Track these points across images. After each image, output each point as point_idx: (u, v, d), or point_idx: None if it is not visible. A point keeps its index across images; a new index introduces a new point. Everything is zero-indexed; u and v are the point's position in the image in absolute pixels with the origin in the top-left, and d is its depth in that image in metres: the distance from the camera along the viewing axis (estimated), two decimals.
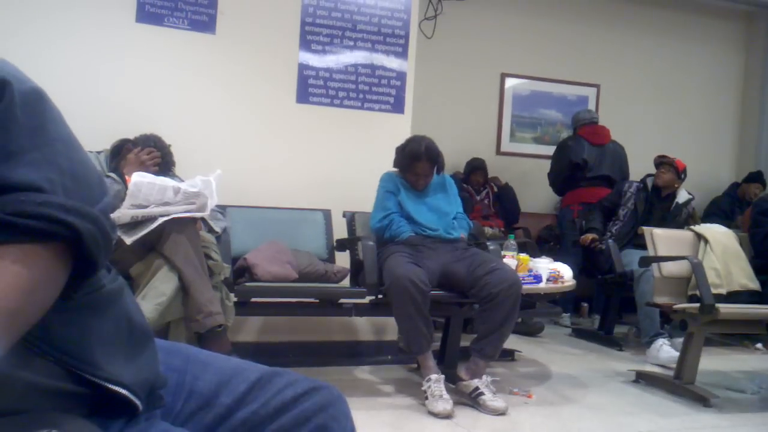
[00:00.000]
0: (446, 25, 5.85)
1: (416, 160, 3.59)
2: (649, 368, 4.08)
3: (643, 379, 3.83)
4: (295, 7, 4.10)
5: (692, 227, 4.23)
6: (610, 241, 4.85)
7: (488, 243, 3.89)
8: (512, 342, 4.59)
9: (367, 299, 3.55)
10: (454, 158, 5.73)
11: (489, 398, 3.11)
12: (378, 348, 4.17)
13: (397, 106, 4.31)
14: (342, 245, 3.84)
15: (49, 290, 0.76)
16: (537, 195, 6.44)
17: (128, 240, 2.75)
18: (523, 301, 3.77)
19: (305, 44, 4.12)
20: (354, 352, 4.11)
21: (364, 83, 4.24)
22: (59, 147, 0.80)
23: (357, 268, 3.66)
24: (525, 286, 3.61)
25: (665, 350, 4.25)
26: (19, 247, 0.72)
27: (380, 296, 3.48)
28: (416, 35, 4.38)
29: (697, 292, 3.59)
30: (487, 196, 6.00)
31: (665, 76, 7.07)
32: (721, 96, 7.35)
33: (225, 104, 3.98)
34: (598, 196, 5.35)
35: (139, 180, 2.86)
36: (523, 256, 3.87)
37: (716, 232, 4.13)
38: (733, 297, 3.81)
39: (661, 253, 3.95)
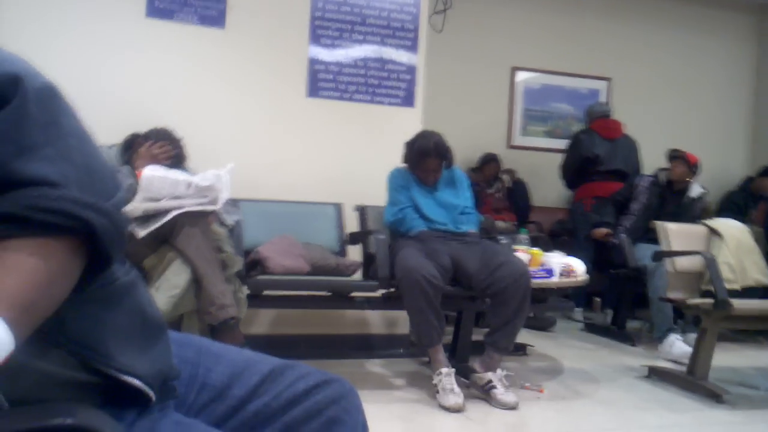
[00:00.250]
0: (456, 19, 5.83)
1: (425, 156, 3.58)
2: (661, 364, 4.06)
3: (655, 374, 3.81)
4: (304, 1, 4.10)
5: (705, 222, 4.19)
6: (622, 235, 4.82)
7: (500, 237, 3.88)
8: (524, 336, 4.60)
9: (378, 292, 3.55)
10: (465, 152, 5.72)
11: (500, 392, 3.11)
12: (390, 341, 4.18)
13: (408, 100, 4.30)
14: (354, 239, 3.84)
15: (63, 284, 0.76)
16: (549, 189, 6.42)
17: (141, 233, 2.77)
18: (535, 295, 3.76)
19: (315, 38, 4.12)
20: (366, 345, 4.12)
21: (374, 77, 4.23)
22: (73, 142, 0.81)
23: (369, 262, 3.66)
24: (537, 281, 3.61)
25: (678, 345, 4.23)
26: (35, 241, 0.73)
27: (392, 290, 3.48)
28: (426, 29, 4.37)
29: (711, 288, 3.57)
30: (499, 190, 5.99)
31: (677, 70, 7.03)
32: (734, 89, 7.30)
33: (236, 98, 3.98)
34: (610, 190, 5.32)
35: (151, 174, 2.87)
36: (536, 250, 3.86)
37: (730, 226, 4.10)
38: (746, 292, 3.78)
39: (674, 247, 3.93)
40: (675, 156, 4.98)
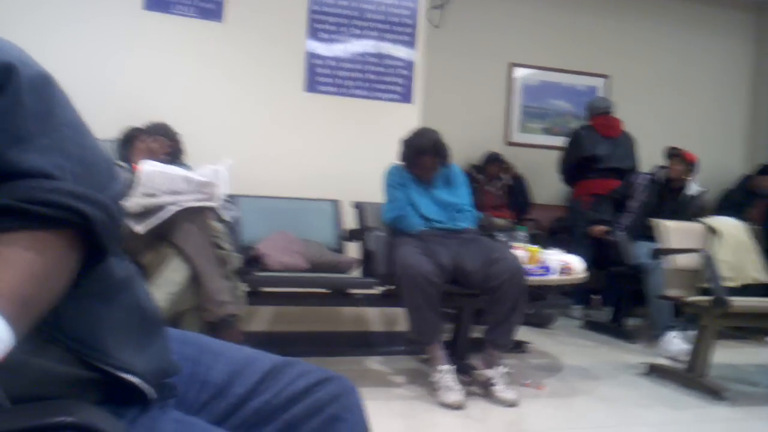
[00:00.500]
0: (454, 15, 5.82)
1: (422, 154, 3.56)
2: (661, 361, 4.06)
3: (655, 371, 3.81)
4: None
5: (703, 220, 4.19)
6: (620, 233, 4.82)
7: (498, 234, 3.86)
8: (523, 334, 4.59)
9: (377, 289, 3.54)
10: (463, 149, 5.70)
11: (500, 389, 3.10)
12: (389, 338, 4.17)
13: (405, 96, 4.29)
14: (353, 235, 3.83)
15: (61, 277, 0.76)
16: (547, 186, 6.41)
17: (138, 228, 2.75)
18: (534, 292, 3.75)
19: (313, 33, 4.10)
20: (365, 343, 4.11)
21: (372, 72, 4.22)
22: (68, 132, 0.80)
23: (367, 259, 3.65)
24: (535, 278, 3.60)
25: (676, 343, 4.23)
26: (31, 234, 0.72)
27: (391, 286, 3.47)
28: (424, 24, 4.35)
29: (709, 285, 3.57)
30: (501, 188, 5.98)
31: (676, 67, 7.03)
32: (732, 87, 7.30)
33: (233, 93, 3.97)
34: (608, 187, 5.32)
35: (149, 169, 2.85)
36: (534, 247, 3.85)
37: (728, 224, 4.10)
38: (745, 290, 3.78)
39: (673, 245, 3.93)
40: (673, 154, 4.97)
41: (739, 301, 3.43)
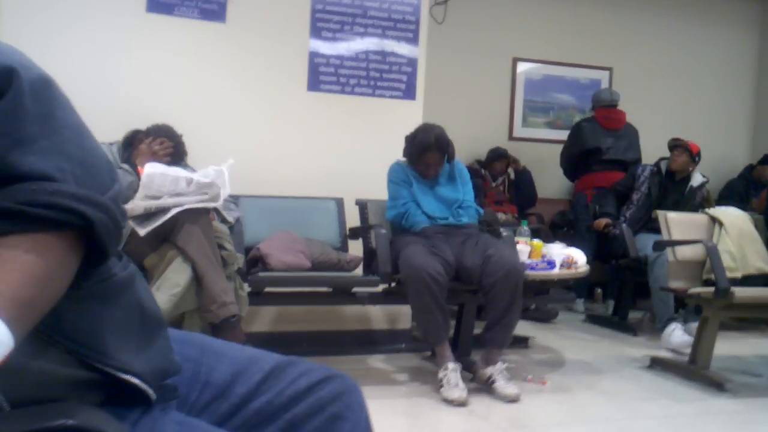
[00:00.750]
0: (457, 10, 5.81)
1: (426, 151, 3.56)
2: (663, 353, 4.06)
3: (657, 364, 3.81)
4: None
5: (707, 210, 4.19)
6: (623, 225, 4.82)
7: (501, 229, 3.87)
8: (526, 328, 4.61)
9: (380, 288, 3.55)
10: (467, 145, 5.70)
11: (501, 385, 3.11)
12: (391, 336, 4.18)
13: (409, 93, 4.30)
14: (355, 234, 3.84)
15: (61, 279, 0.76)
16: (550, 180, 6.41)
17: (142, 231, 2.77)
18: (536, 287, 3.76)
19: (316, 31, 4.11)
20: (367, 341, 4.12)
21: (375, 70, 4.22)
22: (68, 135, 0.80)
23: (370, 257, 3.66)
24: (538, 272, 3.61)
25: (677, 335, 4.23)
26: (32, 237, 0.73)
27: (393, 284, 3.48)
28: (427, 21, 4.36)
29: (712, 276, 3.57)
30: (502, 182, 5.98)
31: (679, 59, 7.00)
32: (736, 78, 7.28)
33: (236, 93, 3.98)
34: (611, 180, 5.32)
35: (152, 171, 2.86)
36: (537, 241, 3.85)
37: (731, 215, 4.10)
38: (748, 281, 3.79)
39: (676, 237, 3.93)
40: (676, 145, 4.97)
41: (742, 292, 3.43)
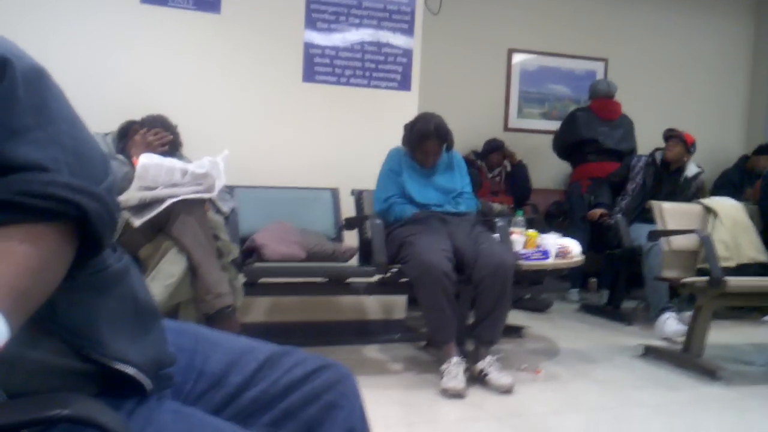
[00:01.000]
0: (452, 1, 5.80)
1: (425, 139, 3.57)
2: (657, 342, 4.09)
3: (651, 353, 3.84)
4: None
5: (701, 200, 4.21)
6: (618, 215, 4.84)
7: (496, 220, 3.88)
8: (520, 318, 4.63)
9: (375, 278, 3.56)
10: (462, 135, 5.67)
11: (495, 377, 3.10)
12: (386, 326, 4.20)
13: (404, 84, 4.30)
14: (350, 224, 3.84)
15: (56, 270, 0.76)
16: (546, 171, 6.43)
17: (137, 222, 2.77)
18: (531, 276, 3.78)
19: (311, 22, 4.10)
20: (362, 331, 4.13)
21: (370, 61, 4.22)
22: (62, 125, 0.80)
23: (365, 247, 3.67)
24: (533, 262, 3.62)
25: (671, 324, 4.25)
26: (26, 228, 0.73)
27: (389, 275, 3.48)
28: (422, 12, 4.35)
29: (706, 266, 3.59)
30: (499, 173, 5.99)
31: (674, 49, 7.00)
32: (730, 69, 7.28)
33: (231, 84, 3.97)
34: (607, 170, 5.33)
35: (147, 162, 2.86)
36: (532, 232, 3.87)
37: (725, 205, 4.12)
38: (742, 270, 3.80)
39: (670, 227, 3.94)
40: (671, 135, 4.98)
41: (735, 281, 3.45)
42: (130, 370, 0.87)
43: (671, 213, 4.02)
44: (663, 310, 4.37)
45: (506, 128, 6.62)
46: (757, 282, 3.63)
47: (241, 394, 1.04)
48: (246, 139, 3.93)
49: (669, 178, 4.96)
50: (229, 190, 3.45)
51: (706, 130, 6.43)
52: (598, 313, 5.12)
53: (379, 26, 4.22)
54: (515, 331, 4.24)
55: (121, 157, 3.20)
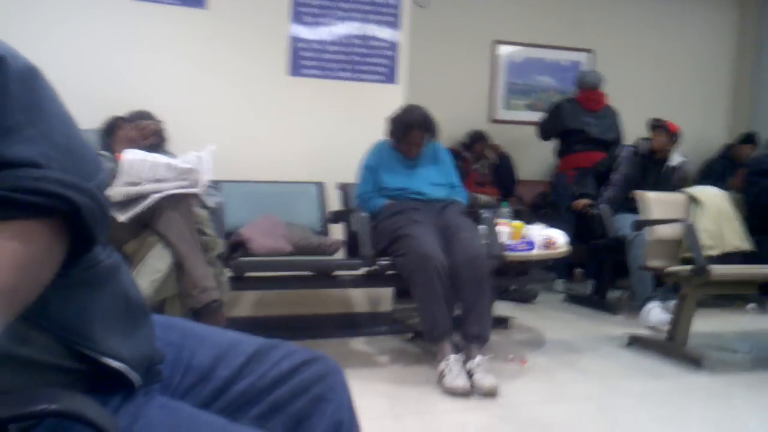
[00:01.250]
0: None
1: (410, 129, 3.58)
2: (642, 331, 4.12)
3: (636, 342, 3.86)
4: None
5: (685, 190, 4.24)
6: (602, 205, 4.86)
7: (482, 211, 3.89)
8: (506, 309, 4.65)
9: (361, 271, 3.56)
10: (448, 127, 5.69)
11: (479, 377, 2.99)
12: (373, 319, 4.20)
13: (391, 77, 4.30)
14: (336, 217, 3.85)
15: (47, 266, 0.76)
16: (531, 162, 6.45)
17: (122, 217, 2.75)
18: (516, 267, 3.79)
19: (297, 16, 4.09)
20: (349, 324, 4.13)
21: (356, 54, 4.21)
22: (55, 123, 0.80)
23: (351, 240, 3.67)
24: (519, 253, 3.64)
25: (655, 313, 4.29)
26: (18, 223, 0.73)
27: (375, 267, 3.48)
28: (409, 4, 4.35)
29: (690, 255, 3.62)
30: (484, 165, 6.01)
31: (659, 39, 7.03)
32: (714, 58, 7.33)
33: (217, 78, 3.95)
34: (593, 160, 5.35)
35: (131, 157, 2.85)
36: (517, 223, 3.88)
37: (709, 194, 4.15)
38: (726, 258, 3.84)
39: (655, 216, 3.97)
40: (656, 125, 5.01)
41: (719, 269, 3.47)
42: (120, 366, 0.87)
43: (656, 202, 4.05)
44: (648, 299, 4.41)
45: (492, 120, 6.63)
46: (740, 270, 3.67)
47: (229, 388, 1.05)
48: (232, 133, 3.92)
49: (653, 167, 4.98)
50: (215, 184, 3.44)
51: (691, 120, 6.45)
52: (584, 303, 5.15)
53: (366, 19, 4.22)
54: (501, 322, 4.26)
55: (105, 153, 3.18)
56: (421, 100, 3.81)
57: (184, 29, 3.88)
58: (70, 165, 0.78)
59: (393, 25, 4.28)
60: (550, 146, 5.97)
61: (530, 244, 3.75)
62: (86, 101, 3.43)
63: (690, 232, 3.64)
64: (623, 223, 4.62)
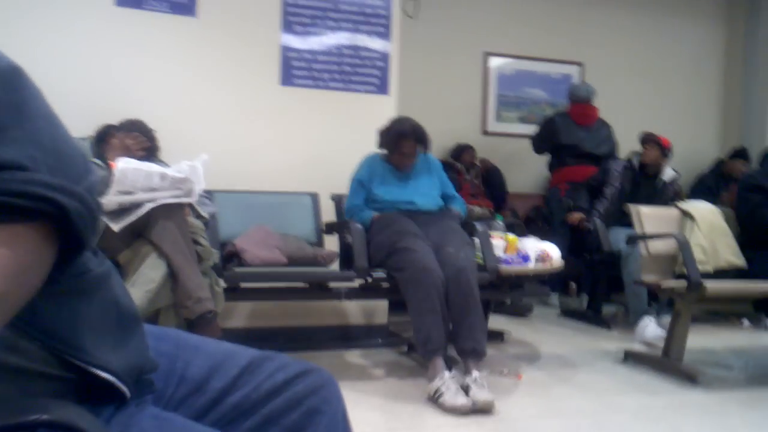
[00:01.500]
0: (429, 5, 5.80)
1: (402, 139, 3.58)
2: (637, 347, 4.11)
3: (631, 357, 3.85)
4: None
5: (678, 204, 4.24)
6: (596, 220, 4.86)
7: (476, 223, 3.88)
8: (501, 323, 4.63)
9: (356, 283, 3.54)
10: (441, 139, 5.71)
11: (474, 392, 2.93)
12: (368, 331, 4.18)
13: (382, 87, 4.30)
14: (330, 228, 3.83)
15: (36, 272, 0.74)
16: (524, 175, 6.46)
17: (115, 227, 2.73)
18: (511, 281, 3.78)
19: (288, 26, 4.09)
20: (344, 336, 4.12)
21: (347, 65, 4.22)
22: (41, 124, 0.77)
23: (346, 252, 3.65)
24: (513, 267, 3.62)
25: (651, 328, 4.28)
26: (4, 228, 0.70)
27: (370, 280, 3.46)
28: (399, 15, 4.36)
29: (684, 270, 3.61)
30: (476, 176, 6.01)
31: (648, 52, 7.08)
32: (705, 72, 7.38)
33: (209, 88, 3.95)
34: (585, 174, 5.36)
35: (125, 166, 2.83)
36: (511, 236, 3.87)
37: (702, 209, 4.15)
38: (719, 274, 3.83)
39: (648, 231, 3.96)
40: (648, 139, 5.02)
41: (714, 285, 3.46)
42: (108, 377, 0.85)
43: (649, 217, 4.04)
44: (643, 314, 4.40)
45: (484, 132, 6.64)
46: (735, 286, 3.66)
47: (222, 400, 1.03)
48: (224, 143, 3.91)
49: (646, 182, 5.00)
50: (209, 194, 3.42)
51: (681, 134, 6.48)
52: (579, 318, 5.13)
53: (357, 30, 4.23)
54: (496, 336, 4.24)
55: (98, 161, 3.16)
56: (413, 111, 3.82)
57: (174, 38, 3.88)
58: (57, 167, 0.75)
59: (384, 35, 4.29)
60: (544, 159, 5.98)
61: (525, 258, 3.73)
62: (78, 110, 3.43)
63: (685, 247, 3.63)
64: (617, 238, 4.62)
